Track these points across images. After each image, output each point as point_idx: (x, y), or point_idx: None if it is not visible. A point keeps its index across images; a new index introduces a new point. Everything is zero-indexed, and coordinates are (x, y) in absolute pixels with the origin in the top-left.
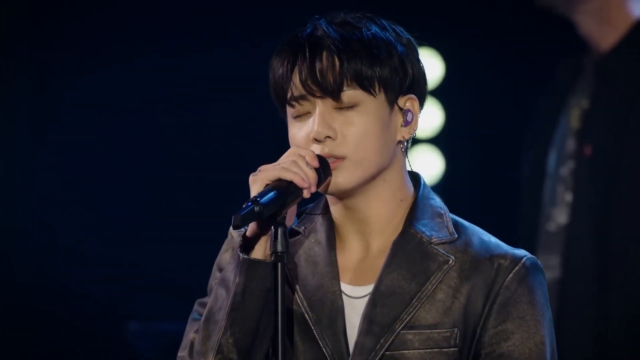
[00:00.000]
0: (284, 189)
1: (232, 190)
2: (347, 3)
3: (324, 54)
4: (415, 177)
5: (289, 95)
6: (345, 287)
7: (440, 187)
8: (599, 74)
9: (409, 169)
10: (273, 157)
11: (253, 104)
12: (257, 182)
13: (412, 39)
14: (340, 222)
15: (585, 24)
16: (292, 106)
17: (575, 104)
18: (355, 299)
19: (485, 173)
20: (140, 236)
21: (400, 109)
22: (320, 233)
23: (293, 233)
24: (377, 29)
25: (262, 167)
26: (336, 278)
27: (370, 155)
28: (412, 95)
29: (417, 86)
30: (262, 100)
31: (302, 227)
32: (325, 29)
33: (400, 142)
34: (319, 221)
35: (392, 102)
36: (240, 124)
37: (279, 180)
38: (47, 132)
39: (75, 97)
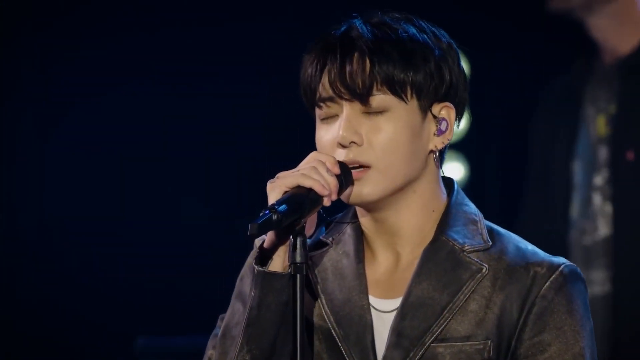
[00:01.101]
0: (304, 197)
1: (246, 202)
2: (371, 3)
3: (355, 55)
4: (448, 183)
5: (317, 96)
6: (374, 300)
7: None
8: (626, 76)
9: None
10: (292, 164)
11: (273, 110)
12: (275, 189)
13: (453, 42)
14: (370, 233)
15: (603, 27)
16: (320, 107)
17: (600, 111)
18: (385, 313)
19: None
20: (149, 250)
21: (434, 117)
22: (349, 245)
23: (320, 244)
24: (414, 31)
25: (281, 174)
26: (364, 292)
27: (397, 164)
28: (448, 103)
29: (454, 93)
30: (283, 106)
31: (330, 238)
32: (359, 29)
33: (432, 151)
34: (347, 232)
35: (425, 109)
36: (259, 131)
37: (298, 187)
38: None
39: (79, 99)
